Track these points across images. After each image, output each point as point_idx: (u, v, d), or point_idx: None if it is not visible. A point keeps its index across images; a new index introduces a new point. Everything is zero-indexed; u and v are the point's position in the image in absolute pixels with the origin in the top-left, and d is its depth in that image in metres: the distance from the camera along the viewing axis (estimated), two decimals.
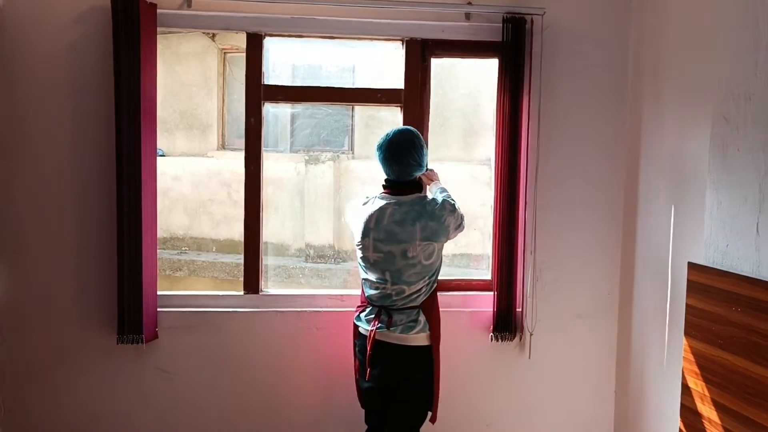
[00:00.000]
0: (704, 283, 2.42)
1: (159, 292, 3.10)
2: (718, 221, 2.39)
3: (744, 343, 2.21)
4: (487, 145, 3.40)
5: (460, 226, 2.73)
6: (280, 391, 3.26)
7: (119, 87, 2.93)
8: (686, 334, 2.51)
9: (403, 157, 2.67)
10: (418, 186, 2.76)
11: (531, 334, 3.30)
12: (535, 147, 3.25)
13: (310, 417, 3.28)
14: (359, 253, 2.73)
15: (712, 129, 2.43)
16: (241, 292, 3.24)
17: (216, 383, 3.21)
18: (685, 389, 2.52)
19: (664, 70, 3.01)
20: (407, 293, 2.68)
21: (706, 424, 2.39)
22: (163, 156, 3.22)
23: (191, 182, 3.40)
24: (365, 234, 2.67)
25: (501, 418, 3.36)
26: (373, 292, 2.72)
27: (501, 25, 3.14)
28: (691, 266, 2.50)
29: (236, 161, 3.13)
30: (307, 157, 3.72)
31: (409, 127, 2.83)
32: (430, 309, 2.74)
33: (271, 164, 3.33)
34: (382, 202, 2.69)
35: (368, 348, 2.68)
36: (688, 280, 2.51)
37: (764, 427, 2.12)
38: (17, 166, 3.04)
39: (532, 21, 3.16)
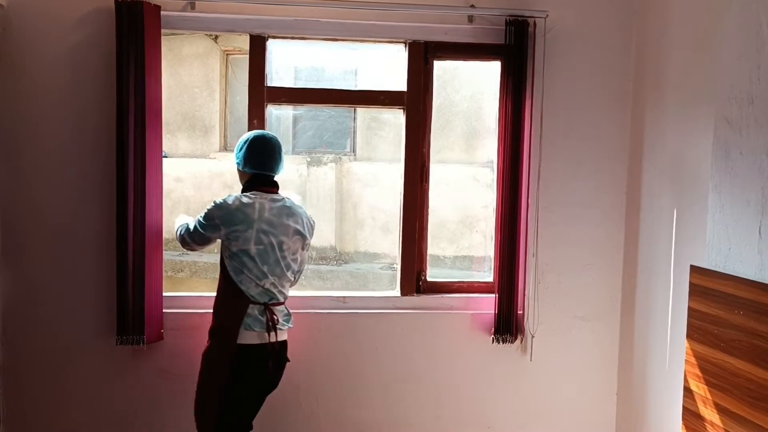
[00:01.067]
0: (707, 286, 2.42)
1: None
2: (720, 224, 2.39)
3: (746, 346, 2.21)
4: (489, 148, 3.40)
5: (308, 245, 2.86)
6: (281, 391, 3.25)
7: (122, 89, 2.93)
8: (688, 336, 2.51)
9: (272, 152, 2.78)
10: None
11: (533, 337, 3.30)
12: (537, 149, 3.25)
13: (311, 417, 3.28)
14: (239, 247, 2.70)
15: (715, 132, 2.44)
16: None
17: None
18: (687, 392, 2.52)
19: (666, 72, 3.01)
20: (278, 287, 2.78)
21: (709, 427, 2.39)
22: (166, 157, 3.22)
23: (193, 184, 3.41)
24: (248, 226, 2.69)
25: (502, 420, 3.36)
26: (254, 288, 2.73)
27: (504, 27, 3.14)
28: (694, 269, 2.50)
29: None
30: (309, 159, 3.72)
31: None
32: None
33: None
34: (258, 198, 2.73)
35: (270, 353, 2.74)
36: (690, 283, 2.51)
37: (766, 430, 2.12)
38: (21, 167, 3.05)
39: (534, 23, 3.16)
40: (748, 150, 2.28)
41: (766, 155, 2.19)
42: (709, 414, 2.39)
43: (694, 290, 2.49)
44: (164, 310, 3.11)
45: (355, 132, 3.72)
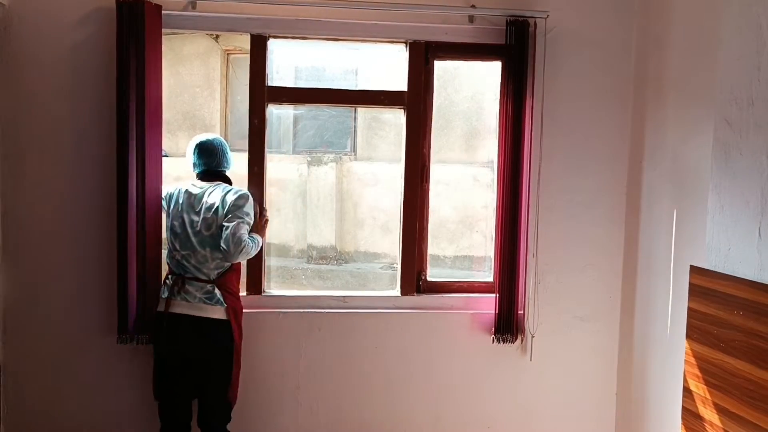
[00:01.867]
0: (706, 286, 2.43)
1: None
2: (720, 225, 2.39)
3: (746, 346, 2.21)
4: (489, 148, 3.40)
5: (236, 214, 2.87)
6: (282, 391, 3.26)
7: (123, 88, 2.94)
8: (688, 337, 2.51)
9: (217, 154, 3.01)
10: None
11: (533, 337, 3.30)
12: (537, 150, 3.25)
13: (311, 416, 3.28)
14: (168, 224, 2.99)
15: (715, 133, 2.44)
16: (244, 293, 3.24)
17: None
18: (687, 392, 2.52)
19: (667, 73, 3.01)
20: (193, 261, 2.91)
21: (708, 427, 2.39)
22: (167, 156, 3.22)
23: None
24: (171, 205, 3.00)
25: (502, 420, 3.37)
26: (171, 260, 2.98)
27: (504, 27, 3.15)
28: (693, 269, 2.51)
29: (239, 162, 3.13)
30: (309, 159, 3.73)
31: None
32: (225, 284, 2.94)
33: (273, 165, 3.33)
34: (188, 184, 3.00)
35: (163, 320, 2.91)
36: (690, 284, 2.51)
37: (766, 431, 2.12)
38: (21, 166, 3.05)
39: (535, 24, 3.17)
40: (747, 151, 2.28)
41: (765, 156, 2.20)
42: (709, 414, 2.39)
43: (694, 290, 2.50)
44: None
45: (355, 132, 3.72)
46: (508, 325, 3.25)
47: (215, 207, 2.87)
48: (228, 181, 3.02)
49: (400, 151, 3.30)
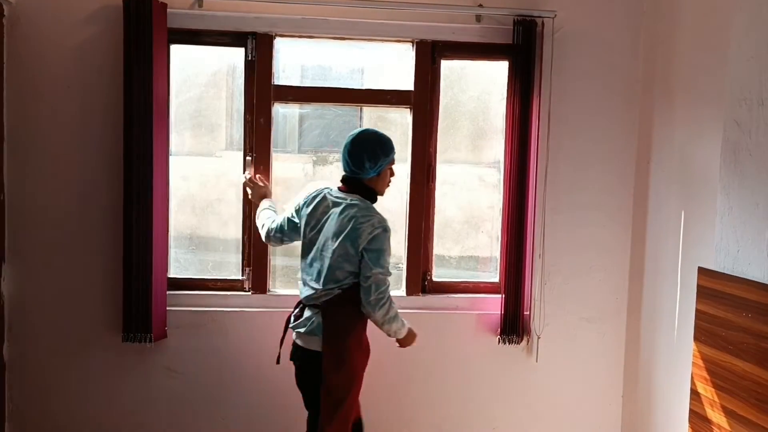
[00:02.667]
0: (714, 288, 2.41)
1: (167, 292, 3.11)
2: (729, 226, 2.38)
3: (754, 349, 2.19)
4: (496, 148, 3.39)
5: (374, 260, 2.56)
6: (287, 390, 3.25)
7: (129, 86, 2.94)
8: (696, 339, 2.50)
9: (348, 152, 2.67)
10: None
11: (538, 338, 3.29)
12: (544, 150, 3.24)
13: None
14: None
15: (724, 133, 2.42)
16: (249, 292, 3.24)
17: (222, 382, 3.21)
18: (694, 395, 2.51)
19: (675, 73, 2.99)
20: (307, 284, 2.70)
21: (716, 430, 2.38)
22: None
23: (199, 182, 3.41)
24: (303, 215, 2.74)
25: (507, 421, 3.35)
26: (300, 280, 2.78)
27: (511, 27, 3.14)
28: (702, 271, 2.49)
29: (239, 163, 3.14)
30: (315, 158, 3.71)
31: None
32: (337, 315, 2.64)
33: (279, 165, 3.33)
34: (324, 193, 2.75)
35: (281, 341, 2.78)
36: (698, 285, 2.50)
37: None
38: (27, 164, 3.06)
39: (542, 23, 3.16)
40: (757, 152, 2.27)
41: None
42: (716, 417, 2.38)
43: (702, 292, 2.48)
44: (168, 308, 3.11)
45: None
46: (513, 326, 3.24)
47: (342, 236, 2.56)
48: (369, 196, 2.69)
49: (406, 150, 3.29)
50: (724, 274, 2.37)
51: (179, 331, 3.15)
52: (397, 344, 2.80)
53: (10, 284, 3.08)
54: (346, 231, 2.53)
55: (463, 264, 3.58)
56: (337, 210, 2.60)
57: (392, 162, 2.70)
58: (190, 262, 3.35)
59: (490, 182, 3.44)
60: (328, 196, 2.67)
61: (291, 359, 2.74)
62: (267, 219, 2.92)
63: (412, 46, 3.22)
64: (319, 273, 2.60)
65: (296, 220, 2.77)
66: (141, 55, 2.92)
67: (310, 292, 2.62)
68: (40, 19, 3.01)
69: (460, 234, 3.51)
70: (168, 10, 3.00)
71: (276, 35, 3.17)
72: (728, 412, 2.32)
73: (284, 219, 2.82)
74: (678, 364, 2.85)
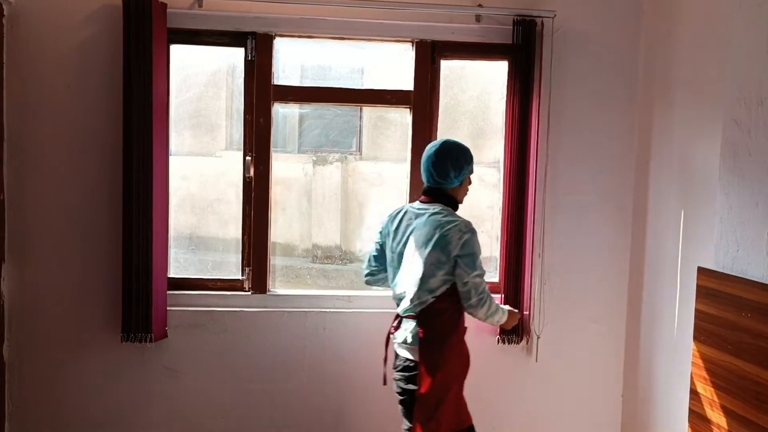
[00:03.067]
0: (714, 288, 2.41)
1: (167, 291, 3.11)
2: (728, 226, 2.38)
3: (754, 348, 2.19)
4: (495, 148, 3.39)
5: (464, 266, 2.54)
6: (287, 390, 3.26)
7: (129, 86, 2.94)
8: (695, 339, 2.50)
9: (431, 162, 2.66)
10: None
11: (538, 338, 3.28)
12: (544, 149, 3.24)
13: (317, 416, 3.27)
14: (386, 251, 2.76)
15: (723, 133, 2.42)
16: (249, 292, 3.24)
17: (222, 382, 3.21)
18: (694, 394, 2.51)
19: (675, 73, 2.99)
20: (403, 298, 2.67)
21: (715, 429, 2.38)
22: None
23: (199, 182, 3.41)
24: (388, 233, 2.74)
25: (507, 421, 3.35)
26: (393, 294, 2.77)
27: (511, 27, 3.14)
28: (701, 271, 2.49)
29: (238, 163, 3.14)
30: (315, 158, 3.71)
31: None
32: (432, 325, 2.62)
33: (279, 165, 3.33)
34: (406, 206, 2.76)
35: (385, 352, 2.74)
36: (697, 285, 2.50)
37: None
38: (27, 164, 3.06)
39: (542, 23, 3.16)
40: (756, 151, 2.27)
41: None
42: (716, 417, 2.38)
43: (702, 292, 2.48)
44: (168, 308, 3.12)
45: (361, 131, 3.71)
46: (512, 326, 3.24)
47: (433, 246, 2.54)
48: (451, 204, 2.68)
49: (406, 150, 3.29)
50: (723, 273, 2.37)
51: (179, 331, 3.15)
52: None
53: (10, 284, 3.08)
54: (434, 239, 2.53)
55: None
56: (422, 220, 2.60)
57: (472, 171, 2.72)
58: (190, 262, 3.35)
59: (490, 182, 3.44)
60: (410, 209, 2.69)
61: (395, 369, 2.71)
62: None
63: (412, 46, 3.22)
64: (412, 284, 2.60)
65: (381, 241, 2.78)
66: (141, 54, 2.92)
67: (406, 304, 2.63)
68: (40, 18, 3.01)
69: None
70: (168, 10, 3.00)
71: (276, 35, 3.17)
72: (728, 412, 2.32)
73: (373, 249, 2.82)
74: (678, 364, 2.85)
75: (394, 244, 2.68)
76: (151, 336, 3.02)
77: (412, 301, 2.59)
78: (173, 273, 3.25)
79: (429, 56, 3.22)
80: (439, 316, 2.58)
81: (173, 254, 3.26)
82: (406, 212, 2.69)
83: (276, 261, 3.36)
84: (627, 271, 3.35)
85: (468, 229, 2.55)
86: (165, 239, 3.10)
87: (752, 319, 2.20)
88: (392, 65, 3.36)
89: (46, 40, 3.02)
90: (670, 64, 3.03)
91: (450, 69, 3.32)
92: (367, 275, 2.85)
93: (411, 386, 2.59)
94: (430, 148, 2.66)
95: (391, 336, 2.70)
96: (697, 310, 2.50)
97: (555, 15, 3.16)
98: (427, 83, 3.22)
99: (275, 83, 3.19)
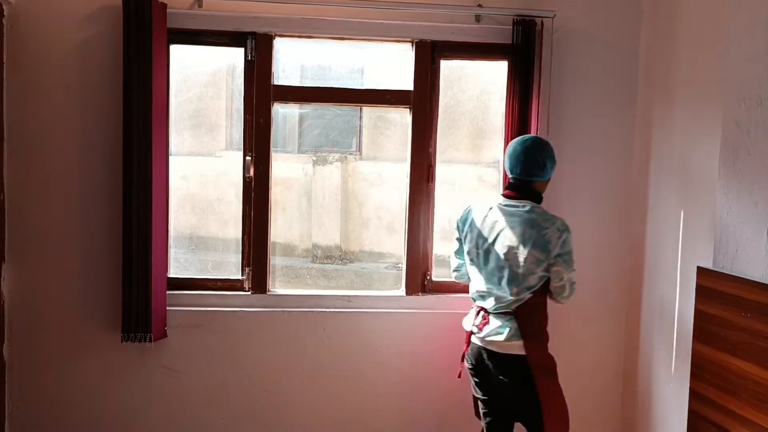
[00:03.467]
0: (714, 287, 2.41)
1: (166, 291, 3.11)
2: (728, 226, 2.38)
3: (754, 348, 2.20)
4: (495, 148, 3.39)
5: (562, 261, 2.61)
6: (286, 390, 3.26)
7: (129, 86, 2.94)
8: (695, 338, 2.50)
9: (523, 156, 2.68)
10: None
11: None
12: None
13: (315, 416, 3.27)
14: (465, 248, 2.79)
15: (723, 133, 2.43)
16: (249, 292, 3.24)
17: (222, 382, 3.21)
18: (694, 394, 2.51)
19: (674, 73, 3.00)
20: (495, 296, 2.68)
21: (715, 429, 2.38)
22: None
23: (199, 182, 3.41)
24: (472, 229, 2.75)
25: None
26: (473, 291, 2.80)
27: (511, 27, 3.14)
28: (701, 271, 2.49)
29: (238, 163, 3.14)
30: (315, 158, 3.72)
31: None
32: (530, 319, 2.67)
33: (278, 165, 3.33)
34: (493, 203, 2.75)
35: (465, 347, 2.78)
36: (697, 285, 2.50)
37: None
38: (27, 164, 3.06)
39: (542, 23, 3.16)
40: (756, 151, 2.27)
41: None
42: (716, 416, 2.38)
43: (701, 292, 2.48)
44: (168, 308, 3.12)
45: (361, 131, 3.71)
46: None
47: (534, 245, 2.59)
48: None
49: (405, 150, 3.29)
50: (723, 273, 2.37)
51: (179, 331, 3.15)
52: None
53: (10, 284, 3.08)
54: (534, 238, 2.57)
55: None
56: (516, 218, 2.62)
57: None
58: (189, 261, 3.35)
59: (490, 182, 3.44)
60: (498, 206, 2.68)
61: (474, 367, 2.72)
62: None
63: (412, 46, 3.23)
64: (507, 281, 2.62)
65: (461, 237, 2.81)
66: (141, 55, 2.93)
67: (499, 302, 2.65)
68: (40, 19, 3.01)
69: None
70: (168, 10, 3.00)
71: (275, 35, 3.17)
72: (727, 412, 2.32)
73: (457, 245, 2.87)
74: (677, 364, 2.86)
75: (480, 241, 2.68)
76: (150, 336, 3.02)
77: (507, 298, 2.63)
78: (173, 273, 3.25)
79: (429, 56, 3.22)
80: (536, 310, 2.68)
81: (173, 254, 3.26)
82: (491, 209, 2.69)
83: (276, 261, 3.37)
84: (626, 271, 3.35)
85: (565, 228, 2.63)
86: (165, 239, 3.10)
87: (751, 318, 2.21)
88: (392, 65, 3.36)
89: (46, 40, 3.02)
90: (670, 64, 3.03)
91: (450, 69, 3.32)
92: (455, 270, 2.90)
93: (513, 382, 2.63)
94: (523, 141, 2.69)
95: (475, 332, 2.70)
96: (696, 310, 2.50)
97: (555, 15, 3.16)
98: (426, 83, 3.23)
99: (275, 83, 3.20)
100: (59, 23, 3.02)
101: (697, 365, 2.50)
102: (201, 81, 3.34)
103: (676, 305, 2.88)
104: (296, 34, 3.20)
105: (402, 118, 3.35)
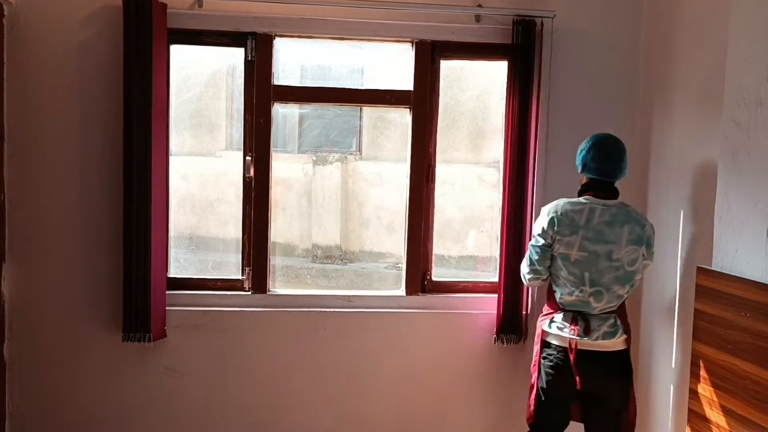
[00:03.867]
0: (713, 287, 2.41)
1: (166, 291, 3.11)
2: (727, 225, 2.38)
3: (753, 348, 2.20)
4: (495, 148, 3.39)
5: (651, 255, 2.70)
6: (286, 390, 3.26)
7: (129, 86, 2.94)
8: (695, 338, 2.50)
9: (616, 157, 2.66)
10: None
11: None
12: (543, 149, 3.24)
13: (315, 415, 3.28)
14: (557, 251, 2.66)
15: (723, 133, 2.43)
16: (249, 292, 3.24)
17: (222, 382, 3.21)
18: (693, 394, 2.51)
19: (674, 73, 3.00)
20: (605, 297, 2.64)
21: (714, 429, 2.38)
22: None
23: (199, 182, 3.41)
24: (573, 231, 2.63)
25: (507, 420, 3.35)
26: (567, 296, 2.66)
27: (511, 27, 3.14)
28: (701, 271, 2.49)
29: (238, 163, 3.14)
30: (315, 158, 3.72)
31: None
32: (624, 315, 2.72)
33: (279, 165, 3.33)
34: (589, 203, 2.66)
35: (571, 356, 2.61)
36: (697, 285, 2.50)
37: None
38: (27, 164, 3.06)
39: (542, 23, 3.16)
40: (756, 152, 2.27)
41: None
42: (715, 416, 2.38)
43: (701, 292, 2.48)
44: (167, 308, 3.12)
45: (361, 131, 3.71)
46: (512, 325, 3.24)
47: (636, 241, 2.63)
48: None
49: (405, 150, 3.29)
50: (723, 273, 2.37)
51: (179, 331, 3.15)
52: None
53: (10, 284, 3.08)
54: (639, 236, 2.63)
55: (462, 264, 3.58)
56: (621, 217, 2.63)
57: None
58: (189, 261, 3.35)
59: (490, 182, 3.45)
60: (600, 207, 2.64)
61: (579, 368, 2.62)
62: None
63: (412, 46, 3.23)
64: (621, 280, 2.63)
65: (549, 242, 2.68)
66: (141, 55, 2.93)
67: (609, 302, 2.64)
68: (40, 19, 3.01)
69: (460, 234, 3.52)
70: (168, 10, 3.00)
71: (275, 35, 3.17)
72: (727, 411, 2.32)
73: (538, 248, 2.71)
74: (677, 364, 2.86)
75: (586, 242, 2.61)
76: (150, 335, 3.02)
77: (620, 295, 2.65)
78: (173, 273, 3.25)
79: (429, 56, 3.22)
80: (623, 303, 2.73)
81: (173, 254, 3.26)
82: (591, 209, 2.64)
83: (276, 261, 3.37)
84: None
85: (651, 225, 2.70)
86: (165, 239, 3.10)
87: (751, 318, 2.21)
88: (392, 65, 3.36)
89: (47, 40, 3.02)
90: (670, 64, 3.03)
91: (450, 69, 3.32)
92: (537, 276, 2.75)
93: (620, 379, 2.67)
94: (612, 141, 2.68)
95: (577, 338, 2.61)
96: (696, 310, 2.50)
97: (555, 15, 3.16)
98: (426, 83, 3.23)
99: (275, 83, 3.20)
100: (59, 23, 3.02)
101: (697, 365, 2.50)
102: (201, 81, 3.35)
103: (676, 305, 2.89)
104: (296, 34, 3.20)
105: (402, 118, 3.35)
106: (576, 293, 2.63)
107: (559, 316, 2.68)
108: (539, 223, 2.71)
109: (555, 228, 2.65)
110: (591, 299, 2.63)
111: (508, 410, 3.35)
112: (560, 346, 2.65)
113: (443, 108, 3.31)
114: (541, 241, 2.69)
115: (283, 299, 3.26)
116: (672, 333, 2.92)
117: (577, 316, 2.64)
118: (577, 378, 2.59)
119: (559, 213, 2.66)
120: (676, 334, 2.88)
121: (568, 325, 2.64)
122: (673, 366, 2.90)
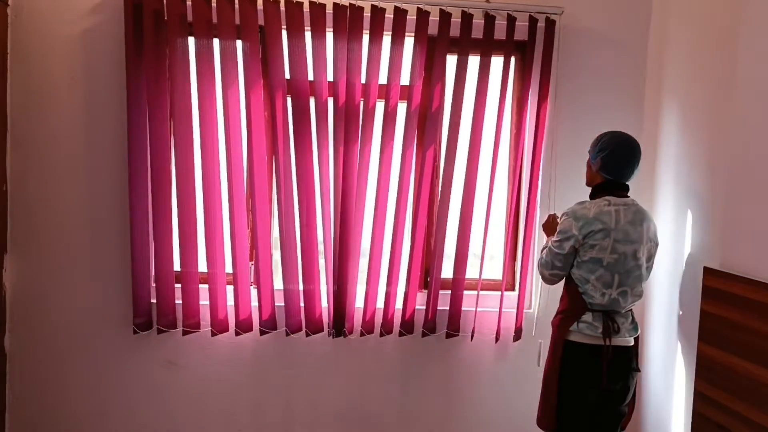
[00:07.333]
0: (720, 288, 2.40)
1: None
2: (735, 225, 2.36)
3: (760, 350, 2.18)
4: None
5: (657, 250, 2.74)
6: (289, 385, 3.25)
7: (133, 76, 2.93)
8: (700, 339, 2.49)
9: (637, 160, 2.65)
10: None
11: (541, 342, 3.23)
12: (549, 147, 3.22)
13: (316, 414, 3.27)
14: (589, 256, 2.60)
15: (731, 131, 2.41)
16: (253, 287, 3.22)
17: (226, 376, 3.20)
18: (698, 395, 2.49)
19: (683, 72, 2.97)
20: (630, 296, 2.64)
21: (720, 431, 2.36)
22: None
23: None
24: (606, 235, 2.58)
25: (510, 420, 3.34)
26: (599, 298, 2.62)
27: (517, 23, 3.11)
28: (707, 271, 2.48)
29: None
30: None
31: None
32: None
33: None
34: (613, 205, 2.61)
35: (604, 355, 2.58)
36: (703, 285, 2.49)
37: None
38: (32, 156, 3.05)
39: (549, 20, 3.13)
40: (764, 150, 2.25)
41: None
42: (721, 418, 2.36)
43: (708, 292, 2.47)
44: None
45: None
46: (515, 325, 3.23)
47: (652, 239, 2.68)
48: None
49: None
50: (729, 274, 2.36)
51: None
52: None
53: (12, 275, 3.07)
54: (653, 233, 2.68)
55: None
56: (640, 216, 2.64)
57: None
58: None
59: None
60: (619, 207, 2.62)
61: (610, 366, 2.61)
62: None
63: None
64: (643, 278, 2.67)
65: (576, 245, 2.63)
66: (145, 45, 2.91)
67: (633, 301, 2.68)
68: (43, 9, 3.00)
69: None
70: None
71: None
72: (733, 414, 2.30)
73: (565, 251, 2.65)
74: (682, 365, 2.84)
75: (618, 245, 2.57)
76: (156, 329, 3.02)
77: (637, 295, 2.68)
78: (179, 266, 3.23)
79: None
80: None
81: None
82: (617, 211, 2.60)
83: (278, 256, 3.34)
84: None
85: (654, 221, 2.73)
86: (169, 231, 3.08)
87: (758, 319, 2.19)
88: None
89: (51, 31, 3.01)
90: (678, 62, 3.00)
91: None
92: (558, 277, 2.73)
93: (635, 372, 2.69)
94: (635, 145, 2.64)
95: (613, 336, 2.60)
96: (702, 311, 2.49)
97: (562, 12, 3.13)
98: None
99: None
100: (63, 13, 3.01)
101: (703, 366, 2.48)
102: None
103: (682, 305, 2.86)
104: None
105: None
106: (606, 295, 2.61)
107: (587, 317, 2.63)
108: (566, 229, 2.63)
109: (588, 233, 2.58)
110: (620, 299, 2.62)
111: (509, 410, 3.34)
112: (593, 345, 2.60)
113: (447, 104, 3.27)
114: (567, 247, 2.63)
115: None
116: (677, 334, 2.90)
117: (610, 315, 2.62)
118: (605, 378, 2.58)
119: (591, 217, 2.59)
120: (682, 335, 2.86)
121: (600, 325, 2.61)
122: (678, 367, 2.88)
